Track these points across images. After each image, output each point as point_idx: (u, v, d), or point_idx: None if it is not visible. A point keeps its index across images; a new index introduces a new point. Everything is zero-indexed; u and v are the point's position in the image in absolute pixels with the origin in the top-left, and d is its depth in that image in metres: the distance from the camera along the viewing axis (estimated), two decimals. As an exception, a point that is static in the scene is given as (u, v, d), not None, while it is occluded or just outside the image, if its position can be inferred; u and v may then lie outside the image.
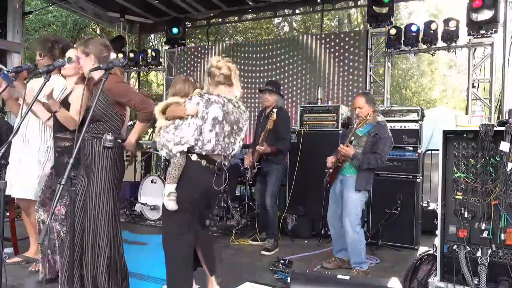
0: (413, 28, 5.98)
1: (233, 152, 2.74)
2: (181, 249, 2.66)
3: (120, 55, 7.30)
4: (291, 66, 7.19)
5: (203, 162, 2.60)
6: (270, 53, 7.39)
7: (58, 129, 3.06)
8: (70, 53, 3.12)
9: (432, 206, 5.49)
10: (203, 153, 2.58)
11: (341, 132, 5.01)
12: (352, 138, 3.69)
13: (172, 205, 2.57)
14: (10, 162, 3.50)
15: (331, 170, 3.83)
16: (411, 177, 4.73)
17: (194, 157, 2.58)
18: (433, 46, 5.95)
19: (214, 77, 2.70)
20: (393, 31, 6.09)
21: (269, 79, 6.43)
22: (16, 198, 3.49)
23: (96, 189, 2.59)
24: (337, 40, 6.85)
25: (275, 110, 4.40)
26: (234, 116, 2.69)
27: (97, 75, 2.67)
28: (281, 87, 5.54)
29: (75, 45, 3.18)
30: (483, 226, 2.68)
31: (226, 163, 2.74)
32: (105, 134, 2.58)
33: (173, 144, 2.52)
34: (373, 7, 6.24)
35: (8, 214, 3.98)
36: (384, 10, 6.22)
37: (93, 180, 2.61)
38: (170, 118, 2.59)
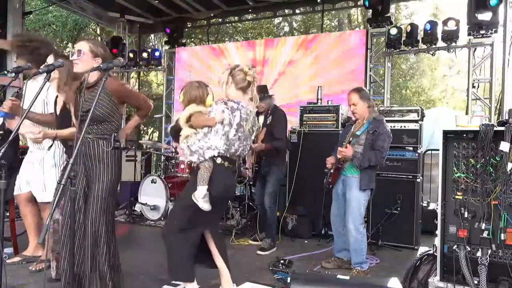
0: (413, 28, 5.98)
1: (246, 152, 2.99)
2: (185, 243, 2.78)
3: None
4: (291, 66, 7.20)
5: (226, 164, 2.80)
6: (270, 53, 7.40)
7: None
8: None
9: (432, 206, 5.49)
10: (228, 155, 2.78)
11: (340, 132, 5.01)
12: (350, 138, 3.70)
13: (207, 206, 2.72)
14: (23, 164, 3.60)
15: (331, 171, 3.82)
16: (411, 177, 4.73)
17: (218, 160, 2.78)
18: (433, 46, 5.95)
19: (238, 82, 2.88)
20: (393, 31, 6.09)
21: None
22: (40, 202, 3.52)
23: (102, 188, 2.61)
24: (337, 40, 6.86)
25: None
26: (250, 120, 2.91)
27: (92, 77, 2.64)
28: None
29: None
30: (483, 226, 2.68)
31: (241, 162, 3.00)
32: (113, 135, 2.66)
33: (205, 150, 2.75)
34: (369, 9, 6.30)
35: (8, 214, 3.98)
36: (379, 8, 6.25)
37: (99, 179, 2.62)
38: (198, 127, 2.80)
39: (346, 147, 3.63)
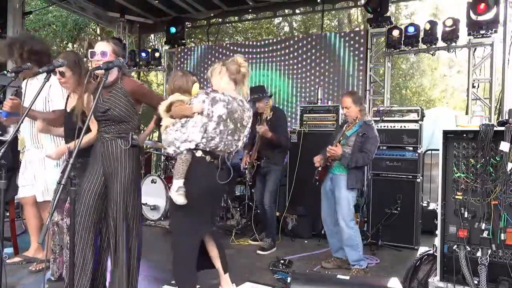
0: (413, 28, 5.98)
1: (236, 149, 2.83)
2: (188, 246, 2.71)
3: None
4: (290, 67, 7.20)
5: (208, 158, 2.67)
6: (270, 53, 7.40)
7: (69, 136, 3.08)
8: None
9: (432, 206, 5.49)
10: (207, 149, 2.65)
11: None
12: (341, 138, 3.77)
13: (181, 199, 2.60)
14: (22, 165, 3.57)
15: (319, 169, 3.90)
16: (411, 177, 4.73)
17: (198, 153, 2.66)
18: (433, 46, 5.95)
19: (233, 73, 2.78)
20: (393, 32, 6.09)
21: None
22: (40, 202, 3.50)
23: (121, 187, 2.61)
24: (337, 40, 6.86)
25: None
26: (239, 114, 2.75)
27: (111, 77, 2.63)
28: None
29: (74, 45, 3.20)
30: (483, 226, 2.68)
31: (230, 158, 2.80)
32: (130, 133, 2.66)
33: (181, 142, 2.61)
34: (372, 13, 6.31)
35: (8, 214, 3.98)
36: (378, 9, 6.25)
37: (118, 178, 2.61)
38: (177, 117, 2.66)
39: (336, 146, 3.70)
